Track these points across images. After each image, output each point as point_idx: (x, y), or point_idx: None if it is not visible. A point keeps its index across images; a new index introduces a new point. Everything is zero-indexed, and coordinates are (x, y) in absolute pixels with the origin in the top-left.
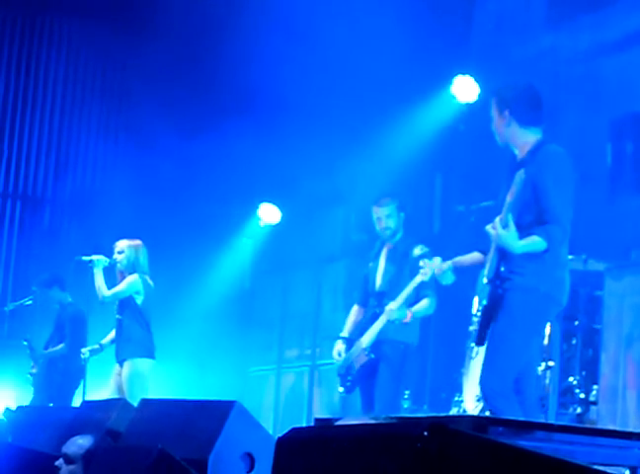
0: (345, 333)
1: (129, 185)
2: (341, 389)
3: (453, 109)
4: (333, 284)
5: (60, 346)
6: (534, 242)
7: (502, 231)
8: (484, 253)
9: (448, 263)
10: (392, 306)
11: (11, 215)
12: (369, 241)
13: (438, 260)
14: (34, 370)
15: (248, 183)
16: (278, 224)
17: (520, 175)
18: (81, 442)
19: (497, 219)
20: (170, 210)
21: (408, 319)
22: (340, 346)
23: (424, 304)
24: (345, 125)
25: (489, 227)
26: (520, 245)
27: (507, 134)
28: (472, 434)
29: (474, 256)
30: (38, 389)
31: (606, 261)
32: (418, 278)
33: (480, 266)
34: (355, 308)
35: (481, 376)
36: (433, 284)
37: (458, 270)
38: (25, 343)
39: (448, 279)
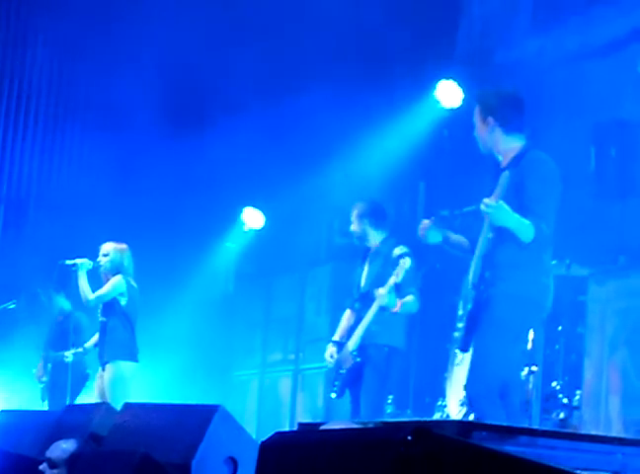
0: (336, 337)
1: (113, 188)
2: (333, 395)
3: (437, 114)
4: (317, 289)
5: (72, 351)
6: (526, 224)
7: (499, 203)
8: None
9: (428, 221)
10: (382, 291)
11: None
12: (353, 245)
13: (408, 260)
14: (44, 379)
15: (231, 187)
16: (261, 229)
17: (505, 176)
18: (65, 447)
19: (486, 200)
20: (153, 214)
21: (397, 308)
22: (332, 349)
23: (410, 299)
24: (328, 130)
25: (482, 205)
26: (514, 217)
27: (490, 141)
28: (456, 438)
29: (462, 239)
30: (54, 396)
31: (590, 266)
32: (391, 280)
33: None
34: (347, 313)
35: (467, 381)
36: (416, 284)
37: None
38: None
39: (435, 238)
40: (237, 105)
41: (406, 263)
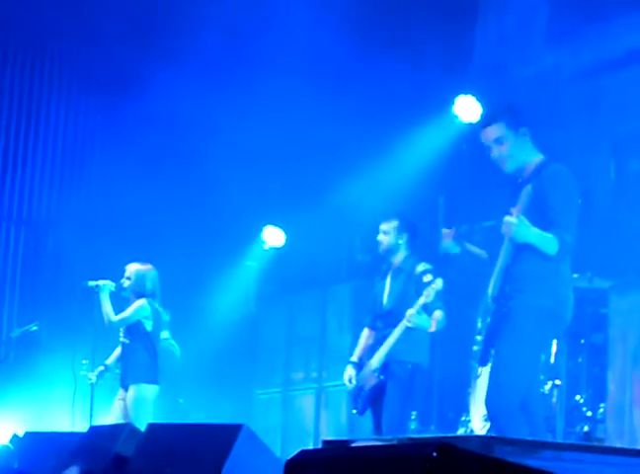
0: (355, 358)
1: (134, 209)
2: (354, 411)
3: (456, 129)
4: (338, 306)
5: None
6: (548, 237)
7: (520, 219)
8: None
9: (449, 230)
10: (412, 311)
11: (15, 240)
12: (374, 262)
13: (440, 281)
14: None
15: (252, 206)
16: (282, 247)
17: (528, 190)
18: None
19: (512, 210)
20: (174, 234)
21: (433, 328)
22: (350, 371)
23: (439, 316)
24: (348, 147)
25: (507, 217)
26: (535, 232)
27: (521, 154)
28: (480, 454)
29: (481, 252)
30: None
31: (612, 278)
32: (421, 300)
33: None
34: (365, 332)
35: (487, 396)
36: (440, 299)
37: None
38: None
39: (454, 249)
40: (257, 121)
41: (437, 284)
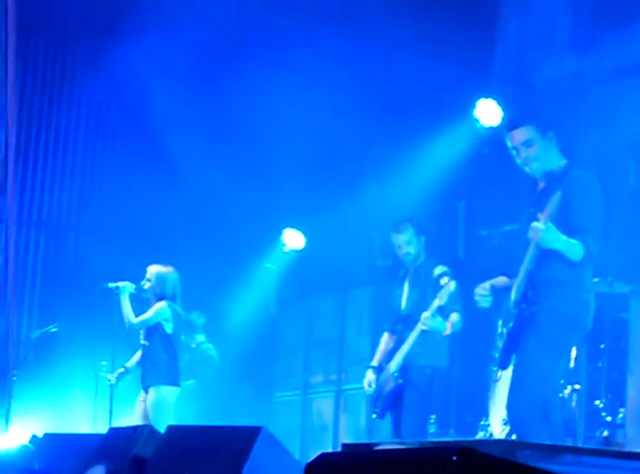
0: (375, 362)
1: (154, 212)
2: (374, 415)
3: (477, 133)
4: (358, 310)
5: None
6: (574, 244)
7: (548, 225)
8: (508, 276)
9: (486, 285)
10: (427, 314)
11: (35, 243)
12: (394, 267)
13: (453, 284)
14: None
15: (272, 208)
16: (302, 250)
17: (558, 196)
18: None
19: (539, 215)
20: (194, 237)
21: (449, 330)
22: (370, 376)
23: (455, 318)
24: (369, 151)
25: (534, 223)
26: (562, 239)
27: (547, 158)
28: (502, 458)
29: (501, 279)
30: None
31: (632, 283)
32: (435, 303)
33: (504, 289)
34: (385, 336)
35: (508, 399)
36: (459, 300)
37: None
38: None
39: (486, 303)
40: (277, 125)
41: (450, 286)
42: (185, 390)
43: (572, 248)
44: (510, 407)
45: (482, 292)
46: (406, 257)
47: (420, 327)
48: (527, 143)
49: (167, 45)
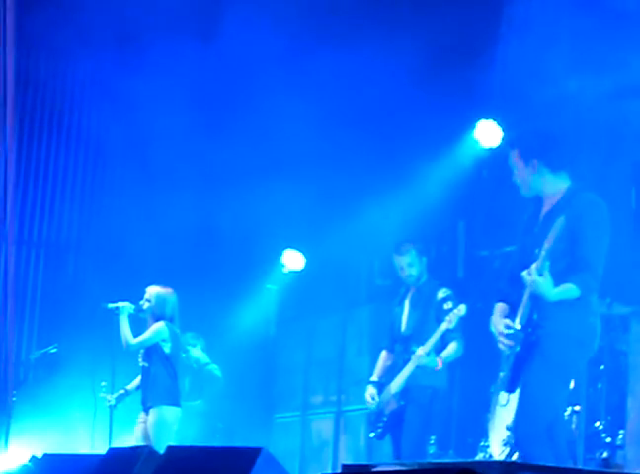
0: (375, 377)
1: (154, 232)
2: (372, 434)
3: (476, 154)
4: (358, 330)
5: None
6: (568, 290)
7: (538, 278)
8: (505, 301)
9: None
10: (420, 351)
11: (35, 263)
12: (394, 286)
13: (463, 307)
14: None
15: (271, 229)
16: (302, 270)
17: (561, 222)
18: None
19: (533, 266)
20: (193, 258)
21: (439, 367)
22: (372, 390)
23: (452, 348)
24: (368, 171)
25: (525, 273)
26: (554, 293)
27: (536, 184)
28: None
29: (501, 306)
30: None
31: (632, 304)
32: (444, 326)
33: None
34: (383, 354)
35: (515, 422)
36: (459, 327)
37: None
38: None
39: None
40: (276, 144)
41: (461, 311)
42: (190, 410)
43: (568, 294)
44: (516, 429)
45: (507, 331)
46: (409, 279)
47: (413, 363)
48: (514, 167)
49: (165, 69)
